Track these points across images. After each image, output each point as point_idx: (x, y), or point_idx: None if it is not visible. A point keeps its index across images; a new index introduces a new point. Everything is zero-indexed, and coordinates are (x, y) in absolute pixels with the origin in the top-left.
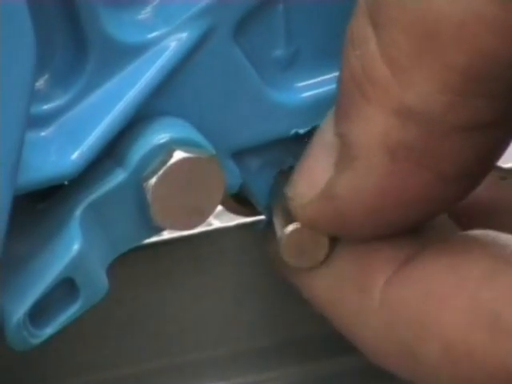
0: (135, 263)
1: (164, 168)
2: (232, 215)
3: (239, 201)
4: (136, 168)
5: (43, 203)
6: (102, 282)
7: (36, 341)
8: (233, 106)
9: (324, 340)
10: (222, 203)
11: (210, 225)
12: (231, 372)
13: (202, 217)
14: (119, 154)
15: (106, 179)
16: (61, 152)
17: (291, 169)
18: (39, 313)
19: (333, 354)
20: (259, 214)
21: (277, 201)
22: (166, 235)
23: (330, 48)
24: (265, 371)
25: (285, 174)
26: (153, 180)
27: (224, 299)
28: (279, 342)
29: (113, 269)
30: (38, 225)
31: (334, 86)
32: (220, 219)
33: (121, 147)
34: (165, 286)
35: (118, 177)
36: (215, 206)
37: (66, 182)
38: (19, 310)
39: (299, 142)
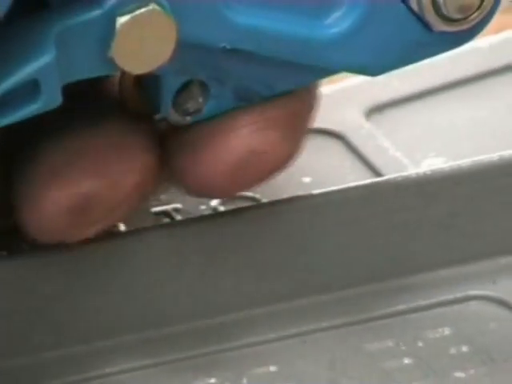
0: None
1: (139, 10)
2: (236, 204)
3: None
4: (112, 7)
5: (23, 19)
6: (59, 94)
7: None
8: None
9: None
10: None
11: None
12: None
13: (159, 59)
14: None
15: (84, 11)
16: None
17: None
18: (4, 103)
19: None
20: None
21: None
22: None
23: None
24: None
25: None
26: (126, 17)
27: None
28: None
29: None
30: (16, 31)
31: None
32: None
33: None
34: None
35: (95, 11)
36: (167, 56)
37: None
38: None
39: (218, 58)
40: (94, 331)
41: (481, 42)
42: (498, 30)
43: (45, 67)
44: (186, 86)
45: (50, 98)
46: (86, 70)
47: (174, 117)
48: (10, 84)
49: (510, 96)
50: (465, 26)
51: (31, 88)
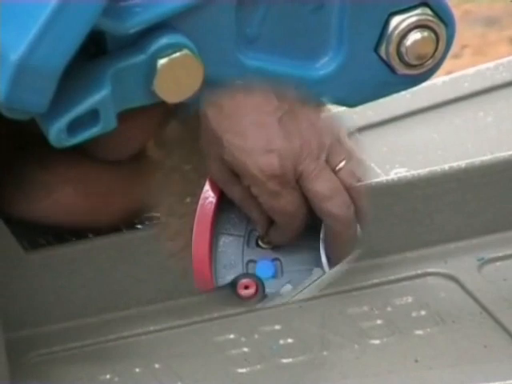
0: None
1: (175, 54)
2: None
3: None
4: (154, 52)
5: (86, 63)
6: (114, 120)
7: (65, 143)
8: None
9: None
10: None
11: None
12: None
13: (190, 91)
14: (143, 44)
15: (132, 56)
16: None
17: None
18: (72, 127)
19: None
20: None
21: None
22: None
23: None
24: None
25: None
26: (164, 60)
27: None
28: None
29: None
30: (81, 71)
31: (277, 66)
32: None
33: (146, 40)
34: None
35: (141, 56)
36: (198, 84)
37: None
38: (62, 120)
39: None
40: (135, 300)
41: (436, 79)
42: (448, 72)
43: (103, 99)
44: None
45: (107, 123)
46: (134, 100)
47: None
48: (77, 112)
49: (456, 121)
50: (422, 70)
51: (92, 115)
